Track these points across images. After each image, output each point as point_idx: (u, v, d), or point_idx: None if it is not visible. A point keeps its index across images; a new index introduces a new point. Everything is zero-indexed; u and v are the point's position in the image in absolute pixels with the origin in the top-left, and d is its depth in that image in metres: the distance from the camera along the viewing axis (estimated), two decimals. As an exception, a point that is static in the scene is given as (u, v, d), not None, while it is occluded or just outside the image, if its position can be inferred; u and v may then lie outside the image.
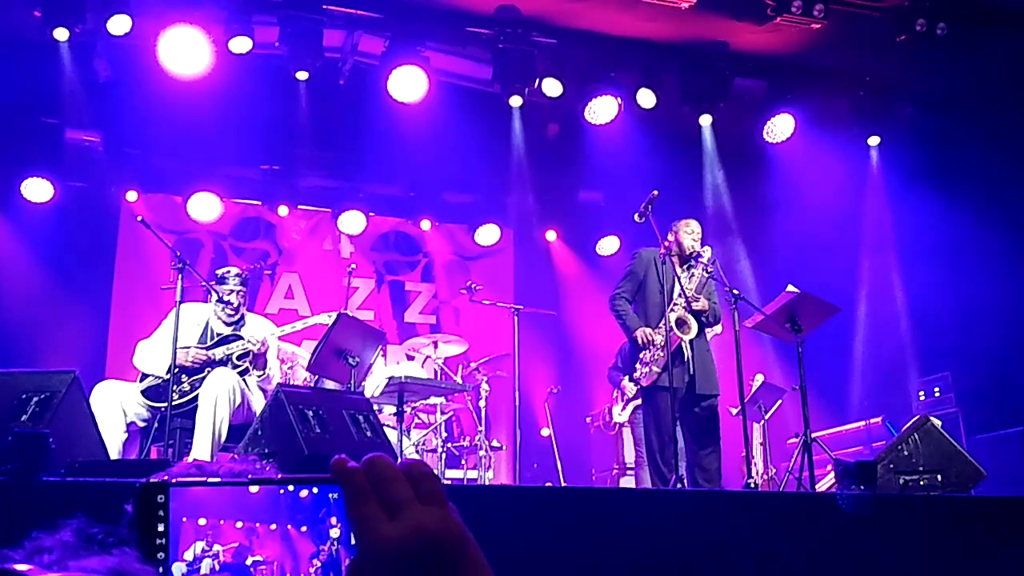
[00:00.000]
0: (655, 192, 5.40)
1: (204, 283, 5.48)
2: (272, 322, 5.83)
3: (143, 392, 5.07)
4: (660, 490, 5.31)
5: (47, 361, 7.03)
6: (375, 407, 5.06)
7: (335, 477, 0.63)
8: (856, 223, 8.56)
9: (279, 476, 0.68)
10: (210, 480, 0.67)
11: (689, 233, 5.79)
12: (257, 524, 0.68)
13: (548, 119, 8.49)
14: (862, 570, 3.80)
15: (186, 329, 5.23)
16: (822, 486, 5.97)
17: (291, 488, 0.68)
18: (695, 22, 7.08)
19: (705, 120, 7.94)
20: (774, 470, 7.25)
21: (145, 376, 5.16)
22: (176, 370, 4.92)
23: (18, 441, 3.29)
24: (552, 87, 7.45)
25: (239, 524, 0.67)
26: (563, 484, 6.98)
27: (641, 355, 5.62)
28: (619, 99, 7.53)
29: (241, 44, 6.69)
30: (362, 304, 8.96)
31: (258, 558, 0.67)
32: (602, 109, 7.62)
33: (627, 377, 7.08)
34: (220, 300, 5.33)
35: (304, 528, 0.68)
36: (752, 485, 5.37)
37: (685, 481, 5.33)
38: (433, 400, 6.75)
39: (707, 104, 7.71)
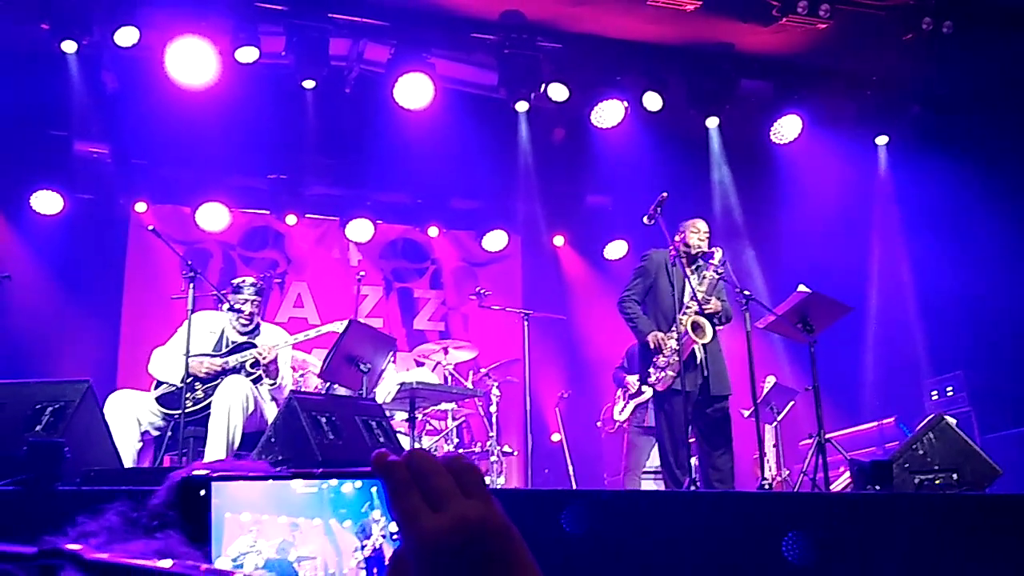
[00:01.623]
0: (664, 194, 5.39)
1: (215, 292, 5.49)
2: (285, 331, 5.84)
3: (158, 399, 5.08)
4: (673, 492, 5.29)
5: (58, 372, 7.04)
6: (387, 413, 5.06)
7: (377, 470, 0.63)
8: (865, 222, 8.54)
9: (320, 471, 0.68)
10: (252, 475, 0.67)
11: (696, 233, 5.79)
12: (300, 519, 0.67)
13: (554, 124, 8.50)
14: (878, 570, 3.78)
15: (201, 337, 5.25)
16: (836, 487, 5.95)
17: (333, 482, 0.68)
18: (700, 24, 7.07)
19: (712, 122, 7.93)
20: (787, 471, 7.22)
21: (159, 384, 5.18)
22: (190, 379, 4.93)
23: (33, 451, 3.29)
24: (558, 92, 7.46)
25: (282, 519, 0.67)
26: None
27: (655, 360, 5.60)
28: (625, 103, 7.53)
29: (248, 54, 6.72)
30: (371, 312, 8.97)
31: (302, 553, 0.67)
32: (608, 113, 7.62)
33: (631, 376, 7.09)
34: (232, 309, 5.34)
35: (347, 522, 0.68)
36: (766, 486, 5.34)
37: (699, 483, 5.31)
38: (444, 406, 6.75)
39: (713, 106, 7.70)
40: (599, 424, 8.15)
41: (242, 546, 0.66)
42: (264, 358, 5.22)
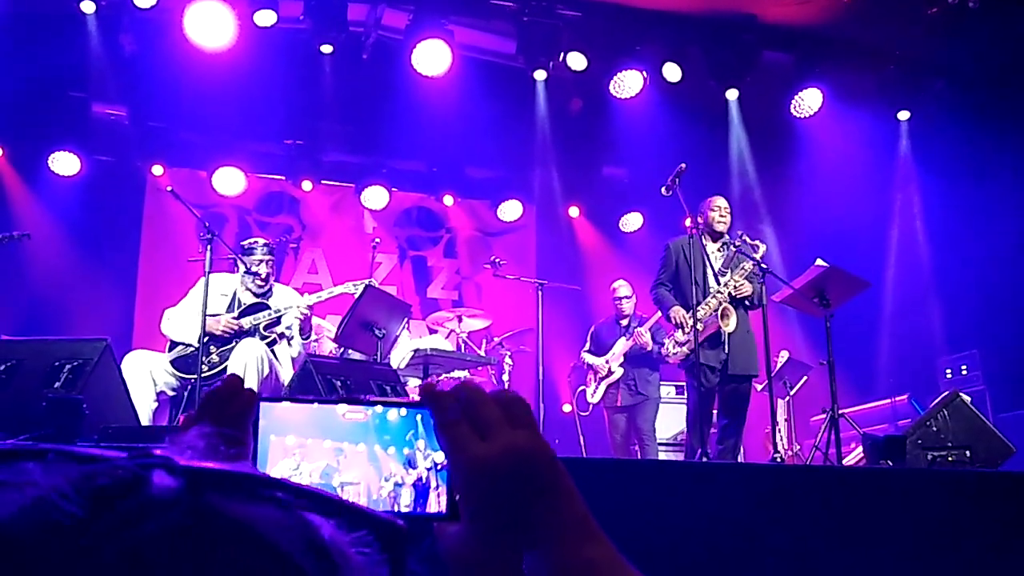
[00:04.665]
0: (683, 165, 5.37)
1: (232, 254, 5.50)
2: (298, 292, 5.85)
3: (172, 363, 5.11)
4: (682, 462, 5.33)
5: (75, 331, 7.06)
6: (401, 379, 5.08)
7: (425, 399, 0.63)
8: (884, 198, 8.47)
9: (366, 397, 0.68)
10: (299, 397, 0.68)
11: (715, 210, 5.82)
12: (345, 444, 0.67)
13: (572, 93, 8.42)
14: (889, 544, 3.78)
15: (213, 299, 5.27)
16: (848, 462, 5.95)
17: (380, 409, 0.68)
18: (723, -6, 6.99)
19: (732, 94, 7.85)
20: (799, 446, 7.23)
21: (174, 346, 5.21)
22: (206, 339, 4.96)
23: (52, 407, 3.33)
24: (577, 61, 7.39)
25: (327, 444, 0.67)
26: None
27: (675, 335, 5.75)
28: (644, 73, 7.46)
29: (266, 17, 6.68)
30: (385, 279, 8.98)
31: (346, 478, 0.67)
32: (627, 83, 7.55)
33: (596, 359, 7.18)
34: (249, 272, 5.36)
35: (391, 449, 0.68)
36: (779, 459, 5.37)
37: (710, 455, 5.34)
38: (457, 373, 6.76)
39: (734, 78, 7.61)
40: (568, 408, 8.08)
41: (285, 469, 0.66)
42: (302, 313, 5.25)
